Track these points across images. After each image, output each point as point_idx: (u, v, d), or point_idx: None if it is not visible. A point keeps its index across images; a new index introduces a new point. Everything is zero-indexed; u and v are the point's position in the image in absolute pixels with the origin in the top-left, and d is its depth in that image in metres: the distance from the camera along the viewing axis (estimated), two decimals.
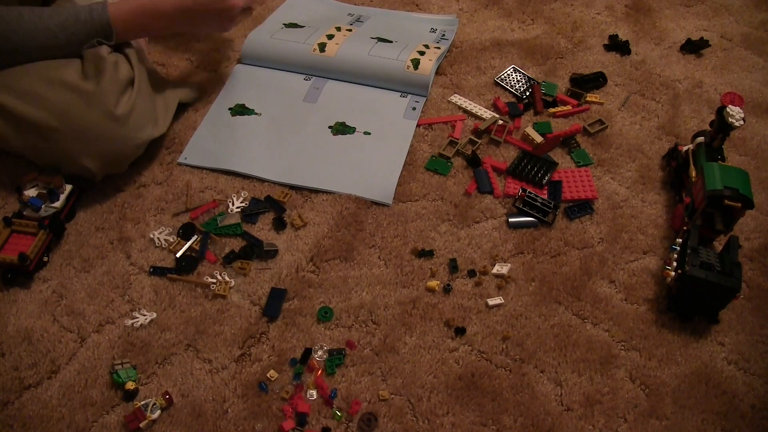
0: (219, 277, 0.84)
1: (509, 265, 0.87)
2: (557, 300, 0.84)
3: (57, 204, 0.87)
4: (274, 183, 0.96)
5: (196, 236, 0.89)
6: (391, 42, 1.15)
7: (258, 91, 1.10)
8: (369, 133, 1.03)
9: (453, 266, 0.86)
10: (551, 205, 0.92)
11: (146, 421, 0.71)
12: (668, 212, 0.94)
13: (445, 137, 1.03)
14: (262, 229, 0.91)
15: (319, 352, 0.77)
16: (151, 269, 0.85)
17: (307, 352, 0.77)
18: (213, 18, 0.94)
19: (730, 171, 0.84)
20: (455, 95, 1.11)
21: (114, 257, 0.87)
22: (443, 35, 1.21)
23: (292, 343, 0.79)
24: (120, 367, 0.75)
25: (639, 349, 0.80)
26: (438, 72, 1.14)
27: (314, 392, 0.74)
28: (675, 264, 0.82)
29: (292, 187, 0.96)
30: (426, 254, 0.86)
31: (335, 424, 0.72)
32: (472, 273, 0.86)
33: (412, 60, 1.09)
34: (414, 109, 1.07)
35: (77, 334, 0.79)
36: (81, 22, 0.87)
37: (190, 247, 0.88)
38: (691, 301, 0.80)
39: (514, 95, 1.12)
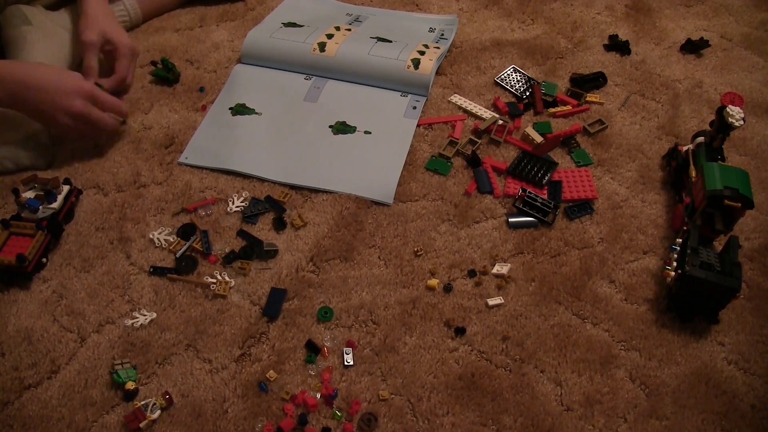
0: (219, 277, 0.84)
1: (509, 265, 0.87)
2: (557, 300, 0.84)
3: (54, 205, 0.87)
4: (275, 183, 0.96)
5: (195, 236, 0.89)
6: (390, 42, 1.15)
7: (258, 91, 1.10)
8: (369, 133, 1.03)
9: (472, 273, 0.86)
10: (551, 205, 0.92)
11: (146, 421, 0.71)
12: (668, 212, 0.94)
13: (445, 137, 1.03)
14: (262, 229, 0.91)
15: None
16: (151, 269, 0.85)
17: (312, 344, 0.78)
18: (48, 100, 0.89)
19: (730, 171, 0.84)
20: (455, 95, 1.10)
21: (114, 257, 0.87)
22: (442, 35, 1.21)
23: (293, 343, 0.79)
24: (120, 367, 0.75)
25: (639, 349, 0.80)
26: (438, 72, 1.14)
27: (317, 394, 0.74)
28: (675, 264, 0.82)
29: (293, 187, 0.96)
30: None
31: (335, 424, 0.72)
32: (472, 273, 0.86)
33: (412, 60, 1.09)
34: (414, 108, 1.07)
35: (77, 334, 0.79)
36: None
37: (190, 247, 0.88)
38: (691, 301, 0.80)
39: (514, 95, 1.12)
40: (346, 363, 0.77)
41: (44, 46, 1.03)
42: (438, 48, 1.14)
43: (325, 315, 0.81)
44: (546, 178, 0.97)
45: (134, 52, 1.06)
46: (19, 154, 0.94)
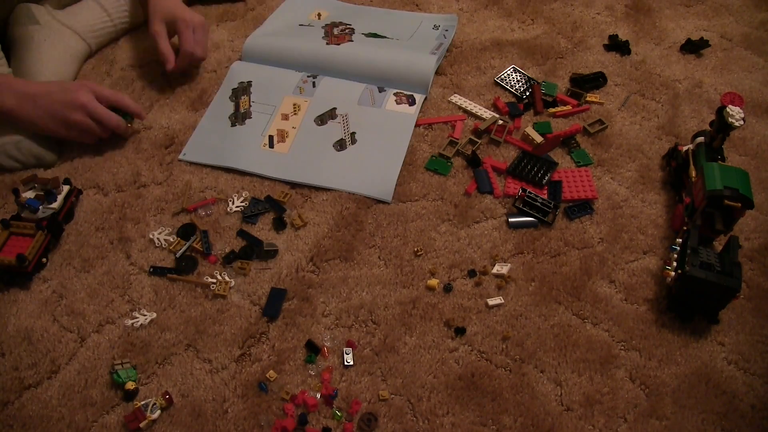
0: (219, 277, 0.84)
1: (509, 265, 0.87)
2: (557, 300, 0.84)
3: (54, 205, 0.87)
4: (273, 180, 0.96)
5: (195, 236, 0.89)
6: (391, 40, 1.15)
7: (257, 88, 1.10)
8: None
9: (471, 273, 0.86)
10: (551, 205, 0.92)
11: (146, 421, 0.71)
12: (668, 212, 0.94)
13: (445, 137, 1.03)
14: (262, 229, 0.91)
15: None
16: (151, 269, 0.85)
17: (312, 344, 0.78)
18: (57, 112, 0.91)
19: (730, 171, 0.84)
20: (455, 95, 1.10)
21: (114, 257, 0.87)
22: (443, 34, 1.21)
23: (293, 343, 0.79)
24: (120, 367, 0.75)
25: (639, 349, 0.80)
26: (438, 72, 1.14)
27: (317, 394, 0.74)
28: (675, 264, 0.82)
29: (292, 185, 0.96)
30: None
31: (335, 424, 0.72)
32: (472, 273, 0.86)
33: (412, 59, 1.09)
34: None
35: (77, 334, 0.79)
36: None
37: (190, 247, 0.88)
38: (691, 301, 0.80)
39: (514, 95, 1.12)
40: (346, 363, 0.77)
41: (51, 45, 1.04)
42: (438, 47, 1.14)
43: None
44: (546, 178, 0.97)
45: (195, 24, 1.05)
46: (24, 150, 0.94)
